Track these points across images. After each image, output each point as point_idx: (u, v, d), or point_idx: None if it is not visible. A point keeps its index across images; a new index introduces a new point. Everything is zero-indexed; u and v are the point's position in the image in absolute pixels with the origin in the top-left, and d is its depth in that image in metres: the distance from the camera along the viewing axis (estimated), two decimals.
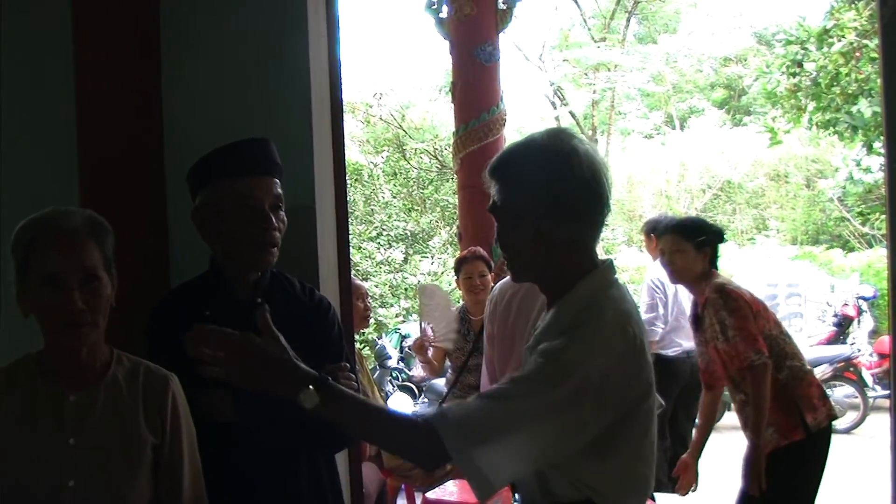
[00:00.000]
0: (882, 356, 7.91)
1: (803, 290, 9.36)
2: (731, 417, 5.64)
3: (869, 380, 7.46)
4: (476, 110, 5.55)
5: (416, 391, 7.34)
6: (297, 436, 1.81)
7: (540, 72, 16.60)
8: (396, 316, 10.99)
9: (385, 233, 12.30)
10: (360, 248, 11.75)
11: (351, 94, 13.36)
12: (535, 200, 1.48)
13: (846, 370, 7.32)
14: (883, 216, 11.70)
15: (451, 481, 3.52)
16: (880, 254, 11.43)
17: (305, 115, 2.28)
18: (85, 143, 2.30)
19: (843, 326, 8.58)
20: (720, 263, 3.26)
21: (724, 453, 3.36)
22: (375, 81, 14.18)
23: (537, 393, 1.36)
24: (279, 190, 1.90)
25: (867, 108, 8.79)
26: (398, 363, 8.06)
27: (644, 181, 16.39)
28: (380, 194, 13.10)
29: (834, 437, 3.10)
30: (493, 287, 2.97)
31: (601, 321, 1.45)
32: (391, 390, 7.48)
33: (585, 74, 16.33)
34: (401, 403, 6.76)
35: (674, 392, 4.75)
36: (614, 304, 1.50)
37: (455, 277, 4.51)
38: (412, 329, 8.46)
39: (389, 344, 8.31)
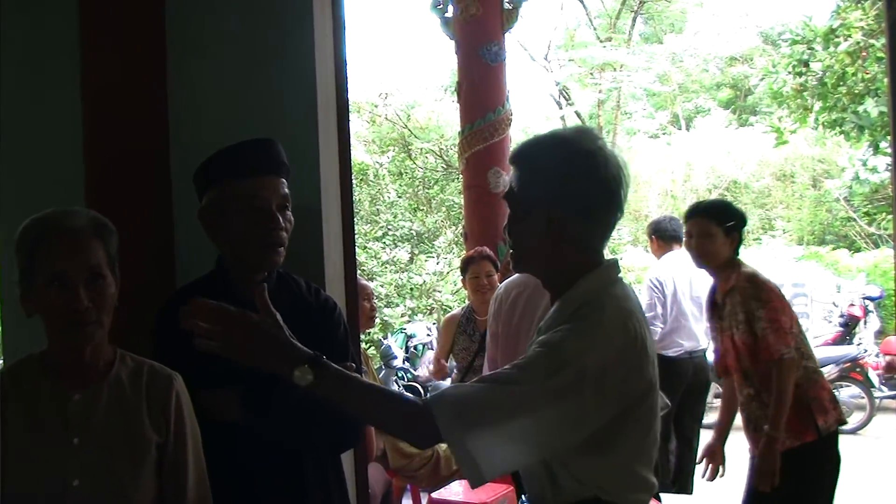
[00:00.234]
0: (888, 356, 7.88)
1: (809, 291, 9.31)
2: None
3: (875, 380, 7.43)
4: (482, 110, 5.52)
5: (422, 391, 7.34)
6: (302, 436, 1.81)
7: (546, 72, 16.61)
8: (402, 316, 10.97)
9: (391, 232, 12.27)
10: (365, 247, 11.74)
11: (356, 94, 13.32)
12: (552, 192, 1.48)
13: (852, 371, 7.28)
14: (889, 216, 11.71)
15: (456, 482, 3.51)
16: (887, 254, 11.40)
17: (311, 115, 2.28)
18: (91, 142, 2.30)
19: (849, 327, 8.54)
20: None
21: (726, 453, 3.33)
22: (381, 81, 14.15)
23: (534, 381, 1.37)
24: (286, 190, 1.90)
25: (873, 107, 8.77)
26: (403, 363, 8.04)
27: (650, 181, 16.32)
28: (385, 194, 13.07)
29: (840, 438, 3.05)
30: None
31: (602, 316, 1.45)
32: (396, 390, 7.46)
33: (591, 74, 16.32)
34: None
35: (677, 392, 4.73)
36: (616, 301, 1.50)
37: (461, 277, 4.50)
38: (418, 329, 8.45)
39: (395, 344, 8.28)
